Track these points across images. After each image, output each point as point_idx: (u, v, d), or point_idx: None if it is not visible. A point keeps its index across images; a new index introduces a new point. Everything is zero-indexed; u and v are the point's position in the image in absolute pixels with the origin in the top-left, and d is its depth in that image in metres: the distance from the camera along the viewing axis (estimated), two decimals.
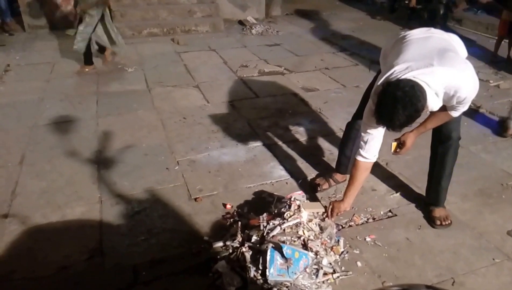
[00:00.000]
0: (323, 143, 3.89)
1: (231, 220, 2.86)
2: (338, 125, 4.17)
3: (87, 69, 5.74)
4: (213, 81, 5.42)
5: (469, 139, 3.86)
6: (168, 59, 6.32)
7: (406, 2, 7.65)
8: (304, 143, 3.89)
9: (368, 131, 2.50)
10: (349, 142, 3.13)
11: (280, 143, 3.87)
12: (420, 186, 3.21)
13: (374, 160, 2.61)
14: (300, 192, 2.97)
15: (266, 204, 2.96)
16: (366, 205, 3.03)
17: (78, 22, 5.42)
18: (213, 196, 3.14)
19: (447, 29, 7.05)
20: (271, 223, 2.52)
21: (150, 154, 3.73)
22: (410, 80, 2.11)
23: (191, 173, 3.44)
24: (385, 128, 2.35)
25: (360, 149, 2.57)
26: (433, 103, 2.23)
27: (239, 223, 2.71)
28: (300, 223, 2.52)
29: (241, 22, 8.52)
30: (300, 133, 4.04)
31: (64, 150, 3.80)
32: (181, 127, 4.20)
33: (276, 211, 2.68)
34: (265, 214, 2.63)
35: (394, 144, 2.76)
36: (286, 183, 3.29)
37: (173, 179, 3.36)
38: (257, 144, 3.86)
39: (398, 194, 3.16)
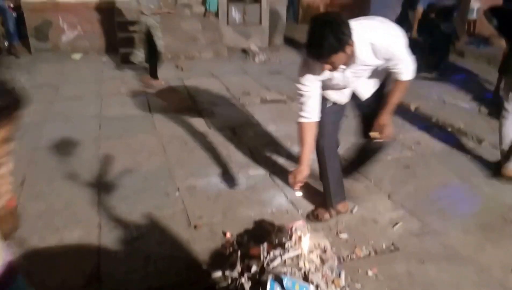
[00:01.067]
0: None
1: (231, 249, 2.82)
2: (340, 154, 4.14)
3: (153, 82, 6.12)
4: (215, 107, 5.43)
5: (471, 172, 3.85)
6: (171, 84, 6.35)
7: (408, 34, 7.71)
8: None
9: (304, 90, 2.61)
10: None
11: (281, 171, 3.85)
12: (422, 218, 3.18)
13: (317, 118, 2.70)
14: (302, 222, 2.94)
15: (266, 233, 2.92)
16: (368, 238, 2.99)
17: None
18: (213, 224, 3.11)
19: (447, 62, 7.14)
20: (271, 254, 2.48)
21: (150, 179, 3.71)
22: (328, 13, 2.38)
23: (190, 199, 3.41)
24: (319, 78, 2.57)
25: (300, 112, 2.67)
26: (361, 49, 2.46)
27: (239, 252, 2.66)
28: (301, 255, 2.48)
29: (244, 50, 8.60)
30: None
31: (65, 172, 3.78)
32: (182, 152, 4.19)
33: (277, 241, 2.64)
34: (265, 244, 2.59)
35: (374, 133, 2.88)
36: (287, 212, 3.26)
37: (172, 204, 3.34)
38: (258, 171, 3.84)
39: (400, 225, 3.13)
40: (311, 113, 2.67)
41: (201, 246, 2.86)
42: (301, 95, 2.64)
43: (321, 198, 3.42)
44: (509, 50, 3.43)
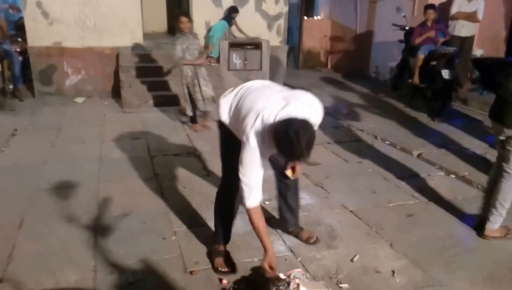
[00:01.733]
0: (323, 218, 3.82)
1: None
2: (340, 200, 4.12)
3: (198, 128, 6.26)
4: (215, 151, 5.40)
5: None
6: (171, 128, 6.38)
7: (410, 80, 7.80)
8: (304, 217, 3.80)
9: (252, 177, 2.56)
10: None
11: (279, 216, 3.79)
12: (426, 269, 3.10)
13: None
14: (300, 269, 2.87)
15: (264, 280, 2.84)
16: (369, 288, 2.90)
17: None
18: (209, 270, 3.03)
19: (450, 108, 7.17)
20: None
21: (147, 222, 3.66)
22: (293, 118, 2.34)
23: (187, 244, 3.35)
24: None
25: (249, 198, 2.59)
26: None
27: None
28: None
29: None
30: (300, 207, 3.96)
31: (63, 214, 3.75)
32: (180, 196, 4.16)
33: (274, 289, 2.57)
34: None
35: (289, 171, 3.12)
36: (285, 259, 3.19)
37: (169, 249, 3.28)
38: None
39: (403, 276, 3.05)
40: (259, 196, 2.64)
41: None
42: (248, 184, 2.57)
43: (321, 245, 3.37)
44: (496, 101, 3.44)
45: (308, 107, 2.58)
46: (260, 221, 2.65)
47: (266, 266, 2.63)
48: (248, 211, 2.63)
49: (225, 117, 2.85)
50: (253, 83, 2.89)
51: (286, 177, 3.20)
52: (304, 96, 2.69)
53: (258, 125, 2.48)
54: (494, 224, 3.47)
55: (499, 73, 3.24)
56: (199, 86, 6.10)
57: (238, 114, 2.70)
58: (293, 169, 3.16)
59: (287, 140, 2.28)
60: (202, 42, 8.27)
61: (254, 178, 2.57)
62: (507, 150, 3.31)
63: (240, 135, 2.61)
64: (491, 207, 3.46)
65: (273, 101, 2.53)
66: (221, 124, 2.95)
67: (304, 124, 2.32)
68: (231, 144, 2.86)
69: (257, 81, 2.96)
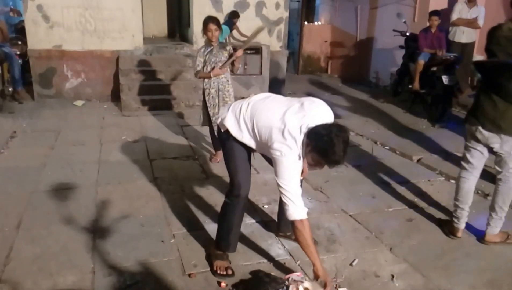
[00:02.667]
0: (322, 222, 3.80)
1: None
2: (339, 205, 4.10)
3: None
4: None
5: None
6: (170, 131, 6.37)
7: (410, 86, 7.80)
8: None
9: (295, 189, 2.58)
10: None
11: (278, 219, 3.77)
12: (426, 274, 3.08)
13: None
14: (299, 273, 2.85)
15: (262, 284, 2.83)
16: None
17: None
18: (207, 273, 3.02)
19: (450, 114, 7.17)
20: None
21: (146, 225, 3.64)
22: (329, 123, 2.52)
23: (186, 247, 3.34)
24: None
25: (298, 210, 2.59)
26: None
27: None
28: None
29: (244, 99, 8.64)
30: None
31: (62, 217, 3.73)
32: (179, 199, 4.15)
33: None
34: None
35: None
36: (284, 262, 3.17)
37: (167, 252, 3.26)
38: (255, 220, 3.77)
39: (402, 280, 3.03)
40: (304, 206, 2.65)
41: None
42: (294, 195, 2.60)
43: (320, 249, 3.36)
44: (475, 101, 3.45)
45: (325, 110, 2.70)
46: (310, 234, 2.65)
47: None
48: (299, 224, 2.60)
49: (237, 134, 2.85)
50: (257, 99, 2.90)
51: None
52: (314, 101, 2.75)
53: (289, 139, 2.52)
54: (495, 228, 3.48)
55: (500, 75, 3.23)
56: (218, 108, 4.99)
57: (258, 135, 2.73)
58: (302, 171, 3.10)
59: (329, 143, 2.36)
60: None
61: (295, 191, 2.58)
62: (501, 155, 3.33)
63: (267, 151, 2.68)
64: (490, 212, 3.47)
65: (291, 111, 2.61)
66: (224, 134, 2.93)
67: (341, 127, 2.45)
68: (238, 150, 2.88)
69: (260, 95, 2.97)
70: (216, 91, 4.99)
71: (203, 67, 4.92)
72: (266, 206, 4.00)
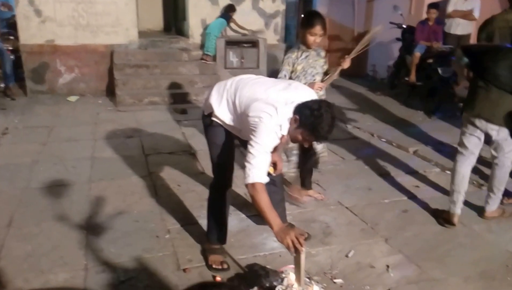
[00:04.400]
0: (318, 215, 3.78)
1: None
2: (335, 198, 4.08)
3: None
4: None
5: (472, 217, 3.76)
6: (166, 127, 6.31)
7: (406, 78, 7.77)
8: (299, 214, 3.78)
9: (264, 154, 2.47)
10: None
11: None
12: (421, 265, 3.07)
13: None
14: (294, 265, 2.82)
15: (258, 277, 2.80)
16: (364, 283, 2.87)
17: None
18: (202, 267, 3.00)
19: (446, 106, 7.14)
20: None
21: (140, 221, 3.61)
22: (321, 100, 2.59)
23: (181, 242, 3.31)
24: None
25: (256, 173, 2.46)
26: None
27: None
28: None
29: None
30: (295, 204, 3.94)
31: (54, 214, 3.69)
32: (174, 194, 4.11)
33: (267, 286, 2.53)
34: (255, 288, 2.48)
35: (271, 168, 3.00)
36: (280, 255, 3.14)
37: (162, 247, 3.23)
38: (250, 214, 3.74)
39: (397, 271, 3.01)
40: (265, 175, 2.54)
41: None
42: (257, 157, 2.48)
43: (315, 241, 3.34)
44: (471, 89, 3.49)
45: (310, 93, 2.72)
46: (267, 197, 2.46)
47: (289, 239, 2.33)
48: (252, 187, 2.45)
49: (219, 111, 2.81)
50: (244, 77, 2.86)
51: (268, 174, 3.13)
52: (301, 85, 2.83)
53: (269, 108, 2.49)
54: (493, 206, 3.71)
55: (487, 58, 3.27)
56: None
57: (238, 106, 2.68)
58: (275, 166, 3.15)
59: (320, 118, 2.40)
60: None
61: (265, 157, 2.49)
62: (497, 141, 3.48)
63: (245, 123, 2.61)
64: (489, 192, 3.70)
65: (275, 89, 2.62)
66: (209, 119, 2.90)
67: (328, 103, 2.49)
68: (221, 138, 2.84)
69: (247, 75, 2.93)
70: None
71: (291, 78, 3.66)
72: None
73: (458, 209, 3.58)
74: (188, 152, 5.28)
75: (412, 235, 3.44)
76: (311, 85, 3.44)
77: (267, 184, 3.27)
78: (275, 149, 3.12)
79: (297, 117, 2.46)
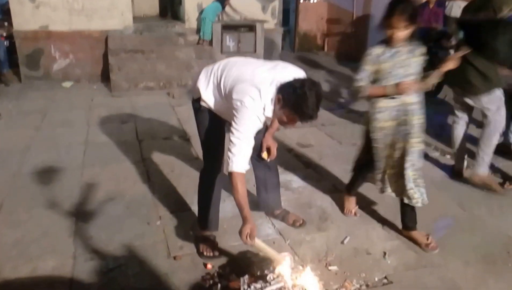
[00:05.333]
0: (314, 200, 3.70)
1: (211, 281, 2.62)
2: (332, 182, 3.99)
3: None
4: None
5: (472, 201, 3.67)
6: (161, 112, 6.21)
7: None
8: (295, 200, 3.69)
9: (244, 141, 2.43)
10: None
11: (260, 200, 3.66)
12: (419, 251, 2.99)
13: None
14: (288, 253, 2.74)
15: (251, 264, 2.73)
16: (359, 270, 2.79)
17: None
18: (194, 254, 2.92)
19: (446, 89, 7.01)
20: (252, 287, 2.30)
21: (132, 207, 3.53)
22: (302, 78, 2.46)
23: (173, 229, 3.23)
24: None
25: (236, 162, 2.43)
26: None
27: (219, 285, 2.48)
28: (284, 288, 2.29)
29: None
30: (292, 190, 3.86)
31: (45, 200, 3.62)
32: (167, 180, 4.03)
33: (258, 273, 2.45)
34: (246, 276, 2.41)
35: (265, 153, 3.08)
36: (274, 242, 3.06)
37: (153, 234, 3.16)
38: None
39: (395, 257, 2.93)
40: (246, 162, 2.49)
41: (180, 278, 2.68)
42: (238, 146, 2.43)
43: (311, 227, 3.26)
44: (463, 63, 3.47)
45: (299, 73, 2.61)
46: (244, 189, 2.47)
47: (245, 235, 2.39)
48: (231, 176, 2.45)
49: (205, 95, 2.72)
50: (232, 59, 2.80)
51: (263, 159, 3.12)
52: (289, 65, 2.70)
53: (252, 90, 2.42)
54: (478, 167, 3.90)
55: (485, 33, 3.23)
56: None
57: (223, 87, 2.61)
58: (268, 151, 3.09)
59: (303, 96, 2.30)
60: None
61: (246, 144, 2.44)
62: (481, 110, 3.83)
63: (228, 104, 2.53)
64: (475, 152, 3.97)
65: (262, 69, 2.54)
66: (198, 104, 2.82)
67: (313, 82, 2.40)
68: (210, 125, 2.75)
69: (236, 57, 2.86)
70: (394, 124, 2.96)
71: (374, 81, 2.93)
72: (255, 185, 3.88)
73: (462, 163, 4.11)
74: (183, 138, 5.19)
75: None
76: (400, 84, 2.86)
77: (262, 169, 3.22)
78: (269, 133, 3.05)
79: (280, 96, 2.38)
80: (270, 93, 2.42)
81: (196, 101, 2.83)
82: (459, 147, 4.11)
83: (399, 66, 2.87)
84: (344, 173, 4.20)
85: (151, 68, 7.75)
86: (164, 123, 5.71)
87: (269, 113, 2.47)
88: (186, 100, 6.76)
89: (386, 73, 2.87)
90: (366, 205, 3.59)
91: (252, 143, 2.48)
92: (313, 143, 5.04)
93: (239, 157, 2.43)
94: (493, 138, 3.83)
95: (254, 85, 2.43)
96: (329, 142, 5.13)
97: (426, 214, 3.42)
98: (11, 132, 5.21)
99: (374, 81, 2.91)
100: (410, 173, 2.95)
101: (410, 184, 2.96)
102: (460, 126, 4.06)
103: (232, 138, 2.43)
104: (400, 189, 3.04)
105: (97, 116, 5.86)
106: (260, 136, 3.04)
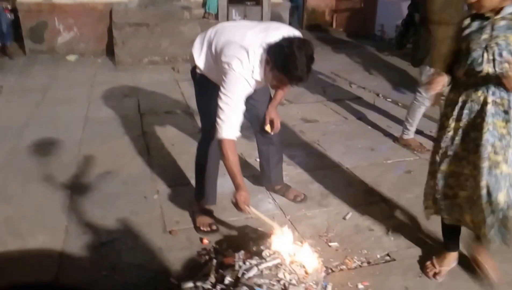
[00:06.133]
0: (317, 176, 3.58)
1: (207, 257, 2.54)
2: (336, 159, 3.87)
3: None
4: None
5: None
6: (165, 86, 6.09)
7: (415, 37, 7.42)
8: (297, 175, 3.59)
9: (232, 106, 2.32)
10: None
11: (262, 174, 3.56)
12: (423, 228, 2.88)
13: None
14: (286, 228, 2.64)
15: (249, 241, 2.63)
16: (361, 247, 2.70)
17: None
18: (190, 230, 2.84)
19: None
20: (247, 263, 2.21)
21: (129, 182, 3.45)
22: (292, 36, 2.28)
23: (170, 204, 3.16)
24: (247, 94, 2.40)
25: (225, 128, 2.33)
26: None
27: (214, 261, 2.39)
28: (281, 264, 2.20)
29: None
30: (294, 165, 3.75)
31: (40, 175, 3.54)
32: (167, 155, 3.94)
33: (254, 249, 2.36)
34: (242, 252, 2.32)
35: (268, 126, 2.96)
36: (273, 217, 2.95)
37: (149, 209, 3.08)
38: (246, 174, 3.55)
39: (397, 234, 2.83)
40: (236, 129, 2.38)
41: (176, 254, 2.60)
42: (226, 112, 2.33)
43: (313, 203, 3.16)
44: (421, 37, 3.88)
45: (290, 30, 2.49)
46: (235, 156, 2.38)
47: (241, 201, 2.34)
48: (221, 144, 2.36)
49: (199, 61, 2.62)
50: (225, 23, 2.72)
51: (266, 132, 3.01)
52: (283, 26, 2.59)
53: (240, 52, 2.32)
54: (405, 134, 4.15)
55: None
56: None
57: (214, 52, 2.50)
58: (272, 124, 2.96)
59: (290, 56, 2.17)
60: None
61: (236, 109, 2.33)
62: None
63: (219, 69, 2.42)
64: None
65: (253, 31, 2.42)
66: (194, 72, 2.73)
67: (304, 41, 2.25)
68: (206, 92, 2.63)
69: (230, 21, 2.73)
70: (470, 117, 2.16)
71: (450, 65, 2.28)
72: (258, 160, 3.78)
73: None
74: (185, 112, 5.08)
75: (414, 197, 3.22)
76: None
77: (266, 144, 3.11)
78: (272, 106, 2.93)
79: (269, 58, 2.26)
80: (258, 54, 2.31)
81: (193, 69, 2.74)
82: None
83: (494, 43, 2.04)
84: (348, 149, 4.10)
85: (156, 43, 7.61)
86: (167, 97, 5.60)
87: (258, 76, 2.35)
88: (189, 75, 6.65)
89: (474, 51, 2.10)
90: (370, 181, 3.47)
91: (241, 108, 2.37)
92: (318, 118, 4.91)
93: (228, 124, 2.32)
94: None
95: (242, 47, 2.32)
96: (334, 117, 4.99)
97: None
98: (11, 108, 5.12)
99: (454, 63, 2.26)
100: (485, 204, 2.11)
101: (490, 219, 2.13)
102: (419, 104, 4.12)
103: (220, 104, 2.32)
104: (476, 223, 2.22)
105: (99, 91, 5.75)
106: (263, 109, 2.94)
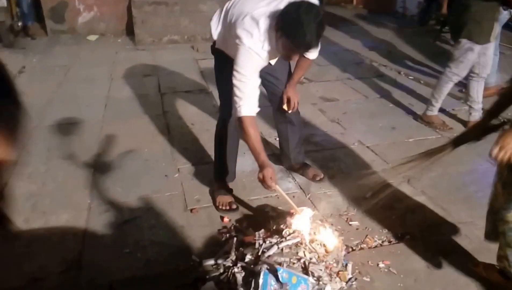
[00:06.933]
0: (338, 154, 3.57)
1: (227, 235, 2.56)
2: (356, 137, 3.84)
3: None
4: None
5: None
6: (185, 65, 6.08)
7: (438, 12, 7.24)
8: (317, 154, 3.57)
9: (248, 83, 2.27)
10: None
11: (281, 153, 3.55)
12: (446, 207, 2.85)
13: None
14: (306, 207, 2.64)
15: (269, 219, 2.64)
16: (381, 226, 2.69)
17: None
18: (211, 208, 2.86)
19: None
20: (267, 241, 2.22)
21: (151, 160, 3.48)
22: (303, 1, 2.13)
23: (191, 182, 3.17)
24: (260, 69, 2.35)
25: (243, 106, 2.29)
26: None
27: (235, 239, 2.41)
28: (301, 243, 2.20)
29: None
30: (314, 144, 3.73)
31: (62, 153, 3.59)
32: (188, 134, 3.95)
33: (274, 228, 2.37)
34: (262, 231, 2.33)
35: (285, 105, 2.93)
36: (293, 196, 2.96)
37: (170, 187, 3.10)
38: (266, 152, 3.53)
39: (419, 213, 2.80)
40: (255, 105, 2.34)
41: (196, 232, 2.62)
42: (243, 90, 2.28)
43: (334, 182, 3.15)
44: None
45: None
46: (256, 132, 2.33)
47: (268, 178, 2.26)
48: (240, 121, 2.32)
49: (215, 34, 2.61)
50: None
51: (284, 111, 2.97)
52: None
53: (250, 24, 2.26)
54: (430, 111, 4.11)
55: None
56: None
57: (228, 23, 2.45)
58: (289, 103, 2.91)
59: (297, 21, 2.07)
60: None
61: (250, 84, 2.28)
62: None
63: (232, 43, 2.36)
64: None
65: (264, 2, 2.32)
66: (214, 47, 2.71)
67: (312, 5, 2.14)
68: (224, 69, 2.60)
69: None
70: None
71: None
72: (277, 139, 3.77)
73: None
74: (205, 91, 5.08)
75: (437, 176, 3.20)
76: None
77: (285, 123, 3.08)
78: (290, 85, 2.89)
79: (277, 26, 2.18)
80: (269, 24, 2.23)
81: (213, 45, 2.73)
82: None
83: None
84: (368, 127, 4.06)
85: (175, 21, 7.57)
86: (187, 76, 5.60)
87: (269, 47, 2.28)
88: (210, 54, 6.61)
89: None
90: (391, 160, 3.43)
91: (256, 83, 2.32)
92: (338, 97, 4.86)
93: (245, 100, 2.28)
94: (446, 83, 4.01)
95: (253, 18, 2.25)
96: (355, 96, 4.93)
97: (452, 169, 3.27)
98: (34, 86, 5.17)
99: None
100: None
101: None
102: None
103: (235, 82, 2.28)
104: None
105: (120, 70, 5.78)
106: (281, 87, 2.91)
